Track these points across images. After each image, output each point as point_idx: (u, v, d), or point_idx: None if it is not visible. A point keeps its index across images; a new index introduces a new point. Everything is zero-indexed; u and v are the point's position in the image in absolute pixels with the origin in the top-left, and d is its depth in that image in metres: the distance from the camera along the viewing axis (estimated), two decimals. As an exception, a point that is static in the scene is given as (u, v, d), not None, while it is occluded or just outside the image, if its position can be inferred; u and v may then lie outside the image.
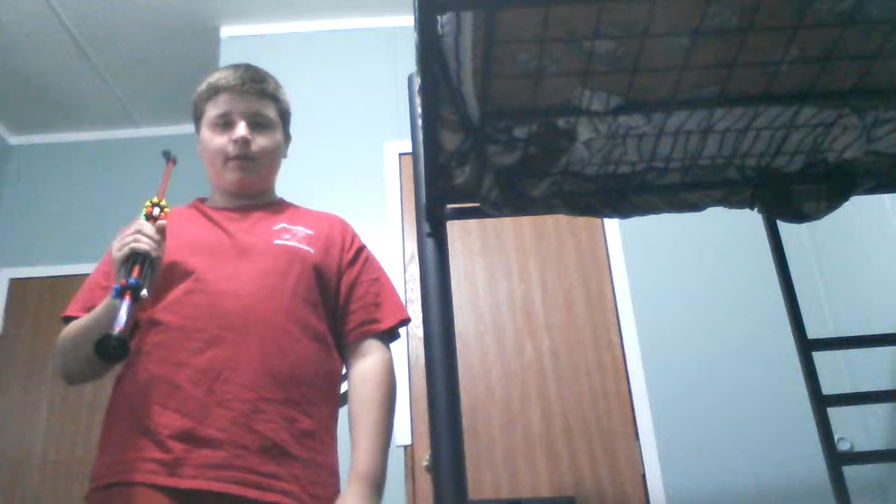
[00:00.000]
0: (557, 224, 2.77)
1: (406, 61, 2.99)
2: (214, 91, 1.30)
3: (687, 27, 0.93)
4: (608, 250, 2.73)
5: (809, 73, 1.04)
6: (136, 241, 1.05)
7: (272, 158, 1.33)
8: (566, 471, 2.38)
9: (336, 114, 2.99)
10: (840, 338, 2.03)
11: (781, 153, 1.23)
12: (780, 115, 1.13)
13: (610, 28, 0.92)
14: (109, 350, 0.91)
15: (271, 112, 1.32)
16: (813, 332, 1.56)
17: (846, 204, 1.29)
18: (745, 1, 0.89)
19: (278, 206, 1.35)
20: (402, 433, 2.39)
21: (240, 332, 1.11)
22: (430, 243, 1.26)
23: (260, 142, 1.29)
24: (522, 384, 2.51)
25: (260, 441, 1.06)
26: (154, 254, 1.06)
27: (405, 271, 2.67)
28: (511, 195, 1.24)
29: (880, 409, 2.33)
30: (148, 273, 1.04)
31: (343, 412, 1.22)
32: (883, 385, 2.22)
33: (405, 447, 2.40)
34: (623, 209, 1.30)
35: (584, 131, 1.12)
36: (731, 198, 1.31)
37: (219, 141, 1.28)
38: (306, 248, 1.24)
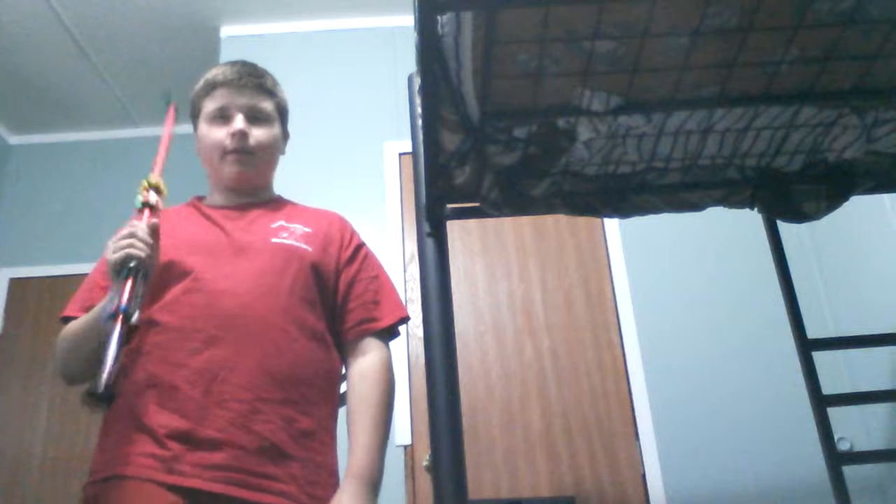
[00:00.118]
0: (557, 224, 2.77)
1: (406, 61, 2.99)
2: (212, 86, 1.30)
3: (687, 27, 0.93)
4: (608, 250, 2.73)
5: (809, 73, 1.04)
6: (130, 245, 1.04)
7: (270, 153, 1.33)
8: (566, 471, 2.38)
9: (336, 114, 2.99)
10: (840, 338, 2.03)
11: (781, 153, 1.23)
12: (780, 115, 1.13)
13: (610, 28, 0.92)
14: (96, 401, 0.94)
15: (269, 106, 1.32)
16: (813, 332, 1.56)
17: (846, 204, 1.29)
18: (745, 1, 0.89)
19: (276, 204, 1.35)
20: (402, 433, 2.39)
21: (237, 331, 1.11)
22: (430, 243, 1.26)
23: (258, 135, 1.28)
24: (522, 384, 2.51)
25: (258, 442, 1.05)
26: (148, 261, 1.06)
27: (405, 271, 2.67)
28: (511, 195, 1.24)
29: (880, 409, 2.33)
30: (140, 289, 1.04)
31: (342, 412, 1.22)
32: (883, 385, 2.22)
33: (405, 447, 2.40)
34: (623, 209, 1.30)
35: (584, 131, 1.12)
36: (731, 198, 1.31)
37: (216, 135, 1.28)
38: (304, 246, 1.23)
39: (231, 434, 1.04)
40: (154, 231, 1.09)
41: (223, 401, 1.06)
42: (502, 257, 2.73)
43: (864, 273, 2.41)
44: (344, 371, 1.25)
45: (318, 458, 1.12)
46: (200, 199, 1.35)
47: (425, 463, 2.33)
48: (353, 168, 2.87)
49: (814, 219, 1.30)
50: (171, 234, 1.20)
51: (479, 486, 2.35)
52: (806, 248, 2.69)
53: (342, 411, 1.22)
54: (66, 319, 1.19)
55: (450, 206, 1.33)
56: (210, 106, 1.29)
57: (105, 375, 0.94)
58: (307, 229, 1.27)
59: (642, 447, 2.41)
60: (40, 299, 3.43)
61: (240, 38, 3.16)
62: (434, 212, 1.26)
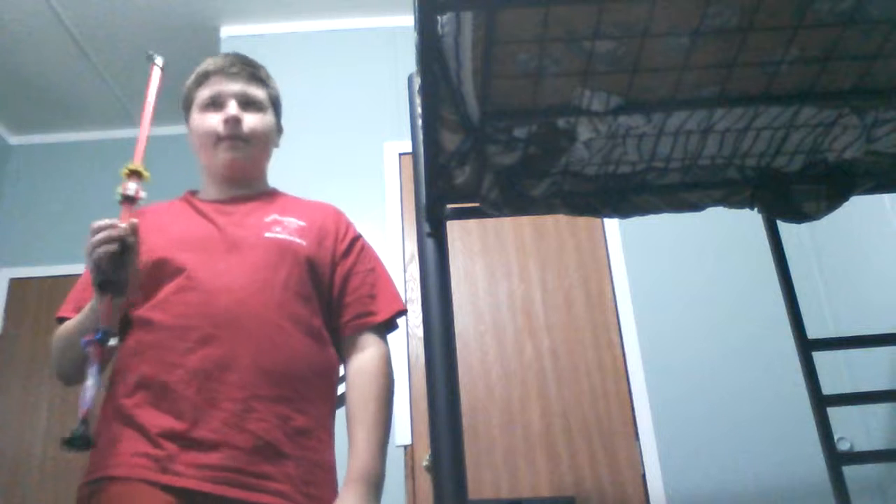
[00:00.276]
0: (557, 224, 2.77)
1: (406, 61, 2.99)
2: (204, 76, 1.29)
3: (687, 27, 0.93)
4: (608, 250, 2.73)
5: (809, 73, 1.04)
6: (107, 240, 1.02)
7: (264, 140, 1.31)
8: (566, 471, 2.38)
9: (336, 113, 2.99)
10: (840, 338, 2.03)
11: (781, 153, 1.23)
12: (780, 115, 1.13)
13: (610, 28, 0.92)
14: (75, 447, 0.95)
15: (262, 94, 1.31)
16: (813, 332, 1.56)
17: (846, 204, 1.29)
18: (745, 1, 0.89)
19: (270, 197, 1.32)
20: (402, 433, 2.40)
21: (232, 329, 1.09)
22: (430, 243, 1.25)
23: (251, 122, 1.27)
24: (522, 384, 2.51)
25: (252, 441, 1.04)
26: (127, 267, 1.04)
27: (405, 271, 2.67)
28: (511, 195, 1.24)
29: (880, 409, 2.33)
30: (119, 305, 1.05)
31: (341, 410, 1.21)
32: (883, 385, 2.22)
33: (405, 447, 2.40)
34: (623, 209, 1.30)
35: (584, 131, 1.12)
36: (731, 198, 1.31)
37: (209, 122, 1.26)
38: (298, 240, 1.21)
39: (225, 434, 1.03)
40: (134, 231, 1.06)
41: (217, 400, 1.05)
42: (502, 257, 2.73)
43: (864, 273, 2.41)
44: (342, 374, 1.24)
45: (314, 456, 1.11)
46: (194, 193, 1.33)
47: (425, 463, 2.33)
48: (353, 168, 2.87)
49: (814, 219, 1.30)
50: (164, 229, 1.19)
51: (479, 486, 2.35)
52: (806, 248, 2.70)
53: (341, 409, 1.21)
54: (61, 320, 1.18)
55: (450, 206, 1.32)
56: (203, 94, 1.28)
57: (84, 410, 0.95)
58: (301, 223, 1.25)
59: (642, 447, 2.41)
60: (40, 299, 3.43)
61: (240, 38, 3.16)
62: (434, 212, 1.26)
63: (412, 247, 2.67)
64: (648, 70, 1.00)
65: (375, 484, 1.10)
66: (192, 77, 1.32)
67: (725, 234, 2.67)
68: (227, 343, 1.08)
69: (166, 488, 0.99)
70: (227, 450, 1.02)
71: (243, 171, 1.30)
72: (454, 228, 2.63)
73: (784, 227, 1.57)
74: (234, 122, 1.25)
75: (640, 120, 1.12)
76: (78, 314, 1.14)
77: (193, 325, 1.09)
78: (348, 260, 1.27)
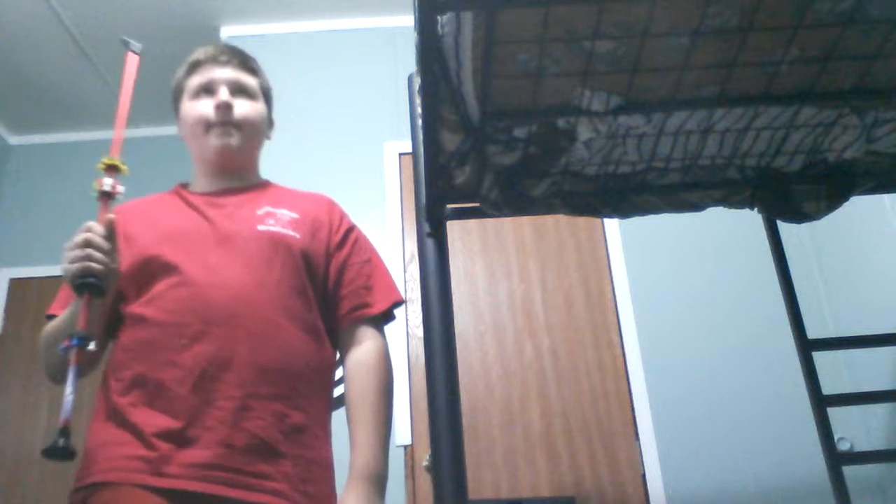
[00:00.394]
0: (557, 224, 2.77)
1: (406, 61, 2.99)
2: (195, 65, 1.28)
3: (687, 27, 0.93)
4: (608, 250, 2.73)
5: (809, 73, 1.04)
6: (86, 257, 1.01)
7: (255, 128, 1.29)
8: (566, 471, 2.38)
9: (336, 114, 2.99)
10: (840, 338, 2.03)
11: (781, 153, 1.23)
12: (780, 115, 1.13)
13: (610, 28, 0.92)
14: (56, 456, 0.94)
15: (253, 83, 1.30)
16: (813, 332, 1.56)
17: (846, 204, 1.29)
18: (745, 1, 0.89)
19: (262, 188, 1.30)
20: (402, 433, 2.40)
21: (225, 325, 1.07)
22: (430, 243, 1.25)
23: (243, 108, 1.26)
24: (522, 384, 2.51)
25: (248, 439, 1.02)
26: (105, 270, 1.03)
27: (405, 271, 2.67)
28: (511, 195, 1.24)
29: (880, 409, 2.33)
30: (97, 307, 1.05)
31: (341, 411, 1.20)
32: (883, 385, 2.22)
33: (405, 447, 2.40)
34: (623, 209, 1.30)
35: (584, 131, 1.12)
36: (731, 198, 1.31)
37: (200, 108, 1.25)
38: (292, 233, 1.19)
39: (220, 432, 1.01)
40: (110, 230, 1.05)
41: (214, 399, 1.03)
42: (502, 257, 2.73)
43: (864, 273, 2.41)
44: (340, 376, 1.22)
45: (311, 453, 1.08)
46: (184, 185, 1.31)
47: (425, 463, 2.33)
48: (353, 168, 2.87)
49: (814, 219, 1.30)
50: (154, 224, 1.17)
51: (479, 486, 2.35)
52: (806, 248, 2.70)
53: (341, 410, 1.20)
54: (50, 318, 1.17)
55: (450, 206, 1.32)
56: (193, 82, 1.27)
57: (64, 418, 0.95)
58: (294, 215, 1.22)
59: (642, 447, 2.41)
60: (40, 299, 3.43)
61: (240, 38, 3.16)
62: (434, 212, 1.26)
63: (412, 247, 2.67)
64: (648, 70, 1.00)
65: (378, 481, 1.09)
66: (183, 67, 1.31)
67: (725, 234, 2.67)
68: (222, 340, 1.06)
69: (160, 491, 0.97)
70: (224, 449, 1.00)
71: (234, 159, 1.27)
72: (454, 228, 2.63)
73: (784, 227, 1.57)
74: (225, 107, 1.23)
75: (640, 120, 1.12)
76: (63, 312, 1.13)
77: (187, 321, 1.07)
78: (343, 251, 1.25)
